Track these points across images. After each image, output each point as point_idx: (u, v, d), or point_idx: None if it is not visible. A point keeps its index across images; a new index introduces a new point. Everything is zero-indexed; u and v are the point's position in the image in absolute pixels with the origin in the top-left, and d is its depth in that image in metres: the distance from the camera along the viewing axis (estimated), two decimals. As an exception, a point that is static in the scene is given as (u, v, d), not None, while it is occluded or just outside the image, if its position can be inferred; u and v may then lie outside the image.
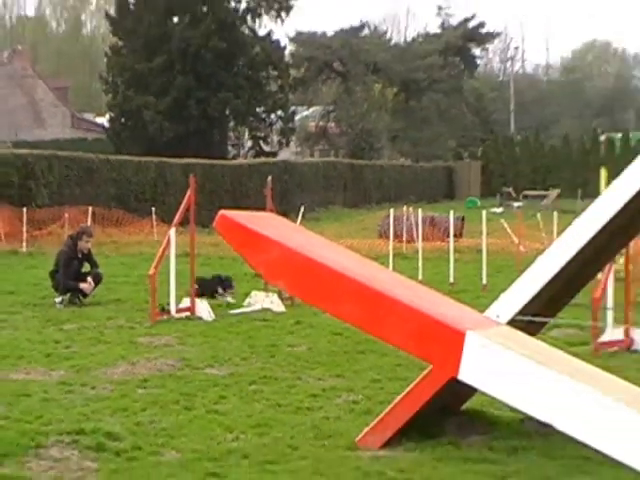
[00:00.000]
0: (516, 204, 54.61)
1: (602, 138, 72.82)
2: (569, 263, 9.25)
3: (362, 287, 6.27)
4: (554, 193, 58.34)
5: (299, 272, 6.75)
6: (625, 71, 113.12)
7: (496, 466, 8.21)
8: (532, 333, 9.38)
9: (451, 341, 5.92)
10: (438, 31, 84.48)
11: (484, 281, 20.73)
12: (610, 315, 14.41)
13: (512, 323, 8.95)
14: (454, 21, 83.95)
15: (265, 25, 63.88)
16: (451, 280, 21.51)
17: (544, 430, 7.96)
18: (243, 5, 62.55)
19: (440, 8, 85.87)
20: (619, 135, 71.23)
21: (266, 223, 8.06)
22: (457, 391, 8.24)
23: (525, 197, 58.60)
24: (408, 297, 6.61)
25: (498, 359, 5.45)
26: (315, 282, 6.60)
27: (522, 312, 9.25)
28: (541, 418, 5.73)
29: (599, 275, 13.82)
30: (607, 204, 9.26)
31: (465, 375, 6.21)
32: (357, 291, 6.30)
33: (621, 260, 15.07)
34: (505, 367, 5.36)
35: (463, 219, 33.22)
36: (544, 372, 5.08)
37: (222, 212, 8.11)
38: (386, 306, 6.36)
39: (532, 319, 9.31)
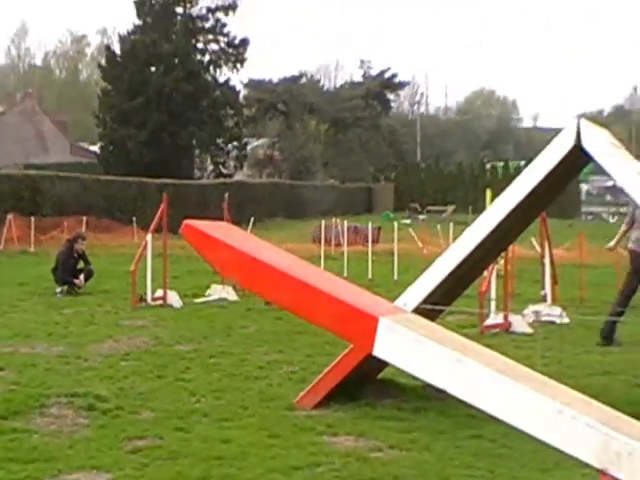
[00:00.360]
0: (421, 217, 54.82)
1: (488, 166, 73.29)
2: (461, 263, 9.32)
3: (296, 281, 6.28)
4: (451, 208, 58.63)
5: (247, 269, 6.75)
6: (505, 113, 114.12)
7: (403, 423, 8.27)
8: (432, 318, 9.43)
9: (367, 324, 5.94)
10: (361, 80, 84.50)
11: (395, 277, 20.81)
12: (493, 304, 14.53)
13: (416, 311, 8.99)
14: (373, 72, 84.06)
15: (224, 74, 63.71)
16: (369, 276, 21.56)
17: (440, 395, 8.02)
18: (207, 58, 62.49)
19: (362, 62, 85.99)
20: (501, 164, 71.67)
21: (221, 230, 8.05)
22: (373, 364, 8.27)
23: (428, 211, 58.81)
24: (333, 289, 6.62)
25: (404, 339, 5.48)
26: (259, 277, 6.60)
27: (424, 302, 9.30)
28: (437, 385, 5.78)
29: (485, 272, 13.91)
30: (490, 217, 9.34)
31: (378, 352, 6.24)
32: (292, 284, 6.31)
33: (502, 261, 15.18)
34: (409, 345, 5.38)
35: (379, 228, 33.25)
36: (440, 349, 5.12)
37: (186, 221, 8.07)
38: (315, 296, 6.37)
39: (432, 307, 9.37)
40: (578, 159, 9.29)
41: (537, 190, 9.15)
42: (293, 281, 6.51)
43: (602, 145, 8.82)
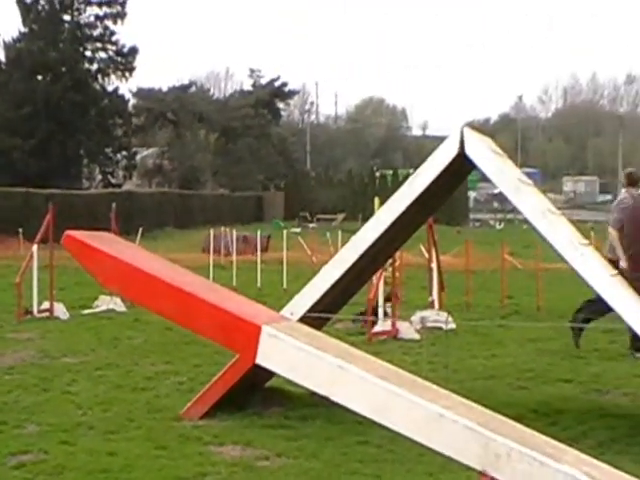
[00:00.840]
0: (311, 225, 55.06)
1: (377, 174, 74.04)
2: (347, 271, 9.39)
3: (178, 291, 6.26)
4: (341, 216, 59.10)
5: (128, 279, 6.71)
6: (395, 122, 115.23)
7: (290, 431, 8.30)
8: (319, 326, 9.48)
9: (250, 333, 5.94)
10: (251, 89, 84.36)
11: (285, 286, 20.83)
12: (381, 311, 14.65)
13: (304, 319, 9.03)
14: (263, 81, 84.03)
15: (112, 82, 62.93)
16: (258, 285, 21.58)
17: (328, 402, 8.06)
18: (95, 66, 61.72)
19: (252, 70, 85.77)
20: (390, 172, 72.48)
21: (103, 241, 7.94)
22: (261, 373, 8.27)
23: (318, 220, 59.16)
24: (216, 299, 6.60)
25: (287, 347, 5.50)
26: (141, 287, 6.57)
27: (312, 310, 9.35)
28: (320, 393, 5.80)
29: (373, 279, 14.03)
30: (376, 225, 9.43)
31: (261, 360, 6.25)
32: (174, 294, 6.29)
33: (390, 268, 15.32)
34: (292, 353, 5.40)
35: (269, 237, 33.29)
36: (322, 356, 5.16)
37: (68, 232, 7.95)
38: (198, 306, 6.37)
39: (319, 315, 9.42)
40: (462, 166, 9.46)
41: (422, 197, 9.27)
42: (175, 291, 6.49)
43: (484, 152, 8.99)
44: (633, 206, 12.48)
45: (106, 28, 61.70)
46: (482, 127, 72.19)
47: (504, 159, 9.60)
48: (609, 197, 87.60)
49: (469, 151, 8.92)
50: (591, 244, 10.96)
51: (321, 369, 5.33)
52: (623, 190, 13.12)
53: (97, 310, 17.03)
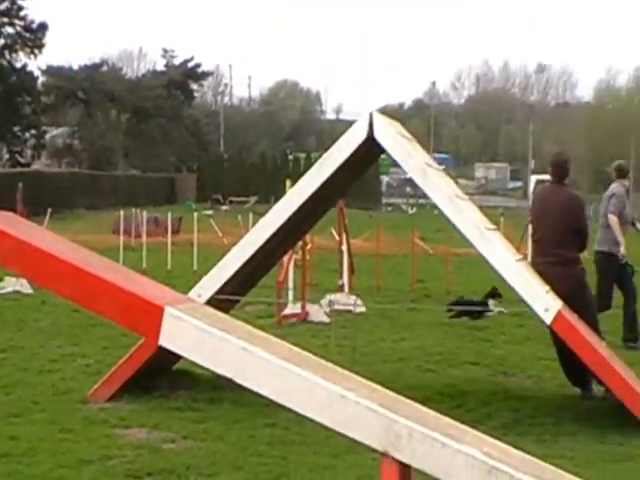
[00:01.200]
0: (223, 207, 54.97)
1: (290, 157, 74.22)
2: (255, 253, 9.42)
3: (80, 272, 6.19)
4: (253, 199, 59.07)
5: (28, 260, 6.61)
6: (308, 105, 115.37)
7: (198, 413, 8.34)
8: (227, 309, 9.49)
9: (153, 315, 5.90)
10: (164, 69, 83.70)
11: (195, 268, 20.79)
12: (291, 294, 14.74)
13: (211, 301, 9.03)
14: (176, 61, 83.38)
15: (21, 59, 61.96)
16: (169, 268, 21.50)
17: (235, 385, 8.08)
18: (2, 42, 60.66)
19: (165, 51, 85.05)
20: (303, 155, 72.68)
21: (3, 221, 7.82)
22: (167, 355, 8.26)
23: (231, 202, 59.10)
24: (120, 281, 6.54)
25: (189, 328, 5.49)
26: (41, 267, 6.48)
27: (219, 292, 9.36)
28: (224, 374, 5.82)
29: (285, 261, 14.09)
30: (284, 208, 9.47)
31: (164, 342, 6.22)
32: (76, 275, 6.22)
33: (301, 251, 15.40)
34: (195, 335, 5.40)
35: (181, 219, 33.14)
36: (225, 337, 5.18)
37: (-37, 211, 7.83)
38: (100, 288, 6.30)
39: (227, 297, 9.44)
40: (371, 150, 9.54)
41: (331, 180, 9.33)
42: (77, 272, 6.42)
43: (393, 136, 9.08)
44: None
45: (13, 2, 60.55)
46: (396, 112, 72.69)
47: (413, 143, 9.71)
48: (519, 184, 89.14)
49: (378, 135, 9.00)
50: (499, 229, 11.17)
51: (225, 351, 5.32)
52: (615, 183, 12.85)
53: (2, 292, 16.81)
